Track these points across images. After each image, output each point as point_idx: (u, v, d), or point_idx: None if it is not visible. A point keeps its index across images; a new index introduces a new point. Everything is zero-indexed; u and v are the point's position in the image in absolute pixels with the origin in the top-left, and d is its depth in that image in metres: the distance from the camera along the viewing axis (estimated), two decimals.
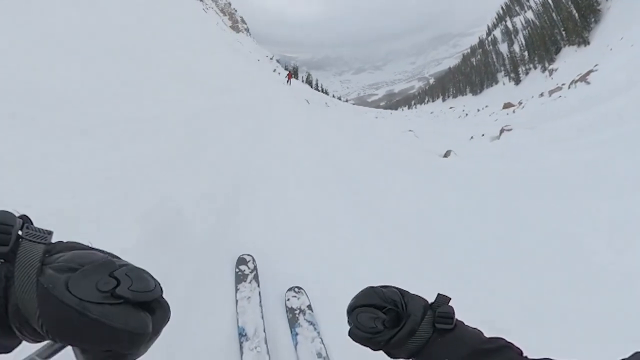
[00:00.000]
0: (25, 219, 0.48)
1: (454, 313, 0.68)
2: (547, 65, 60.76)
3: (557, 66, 50.27)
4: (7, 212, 0.45)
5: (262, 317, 1.78)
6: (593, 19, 51.81)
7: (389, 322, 0.69)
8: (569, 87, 22.52)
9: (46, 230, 0.47)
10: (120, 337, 0.40)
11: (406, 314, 0.69)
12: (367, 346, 0.70)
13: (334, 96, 68.08)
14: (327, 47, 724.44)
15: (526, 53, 73.26)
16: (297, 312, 1.86)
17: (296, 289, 2.01)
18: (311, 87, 59.71)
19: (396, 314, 0.70)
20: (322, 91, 73.24)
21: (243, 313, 1.77)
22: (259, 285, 1.98)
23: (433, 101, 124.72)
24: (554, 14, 66.14)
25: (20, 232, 0.45)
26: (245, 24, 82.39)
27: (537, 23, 73.89)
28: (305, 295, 1.98)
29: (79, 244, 0.49)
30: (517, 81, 70.17)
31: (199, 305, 1.77)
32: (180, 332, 1.50)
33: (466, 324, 0.70)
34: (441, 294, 0.72)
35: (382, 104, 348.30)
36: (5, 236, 0.43)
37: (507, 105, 33.43)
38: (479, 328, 0.70)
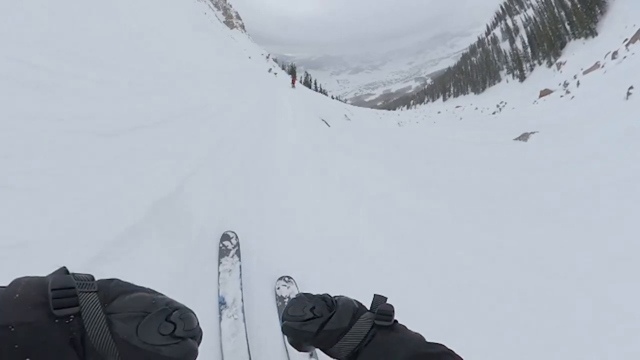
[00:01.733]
0: (67, 271, 0.53)
1: (393, 311, 0.68)
2: (552, 60, 58.83)
3: (564, 59, 49.08)
4: (66, 275, 0.50)
5: (241, 289, 1.84)
6: (599, 11, 50.45)
7: (319, 312, 0.69)
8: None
9: (89, 276, 0.53)
10: None
11: (337, 306, 0.70)
12: (300, 343, 0.71)
13: (332, 97, 64.57)
14: (325, 46, 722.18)
15: (529, 50, 71.70)
16: (286, 299, 1.90)
17: (286, 279, 2.05)
18: (310, 88, 55.71)
19: (327, 308, 0.70)
20: (321, 91, 69.36)
21: (224, 284, 1.84)
22: (240, 260, 2.04)
23: (433, 101, 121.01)
24: (556, 10, 64.98)
25: None
26: (241, 19, 77.44)
27: (538, 20, 72.72)
28: (294, 284, 2.02)
29: (122, 284, 0.55)
30: (522, 78, 67.94)
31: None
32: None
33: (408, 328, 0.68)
34: (377, 295, 0.71)
35: (379, 103, 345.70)
36: (73, 299, 0.48)
37: (545, 93, 29.91)
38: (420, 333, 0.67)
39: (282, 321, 0.72)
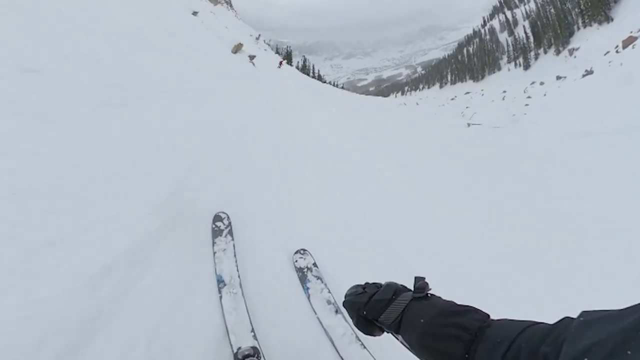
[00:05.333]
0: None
1: (427, 285, 0.76)
2: (561, 48, 56.77)
3: (578, 45, 46.87)
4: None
5: (237, 266, 1.86)
6: None
7: (369, 289, 0.84)
8: None
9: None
10: None
11: (383, 286, 0.83)
12: (356, 312, 0.82)
13: (329, 82, 58.39)
14: (319, 32, 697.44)
15: (532, 39, 68.75)
16: (305, 270, 1.96)
17: (301, 252, 2.09)
18: (308, 75, 48.84)
19: (376, 288, 0.84)
20: (318, 78, 62.83)
21: (220, 263, 1.86)
22: (233, 239, 2.05)
23: (429, 88, 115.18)
24: (559, 2, 63.06)
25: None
26: None
27: (541, 13, 70.07)
28: (310, 255, 2.07)
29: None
30: (527, 66, 65.33)
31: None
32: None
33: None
34: (417, 276, 0.79)
35: (371, 89, 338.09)
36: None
37: (630, 40, 25.30)
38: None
39: (343, 301, 0.88)
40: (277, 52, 55.96)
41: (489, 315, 0.66)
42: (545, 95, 22.01)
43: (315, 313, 1.73)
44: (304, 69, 62.17)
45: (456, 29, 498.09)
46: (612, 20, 46.80)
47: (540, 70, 52.01)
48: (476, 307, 0.68)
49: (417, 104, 43.16)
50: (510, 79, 59.35)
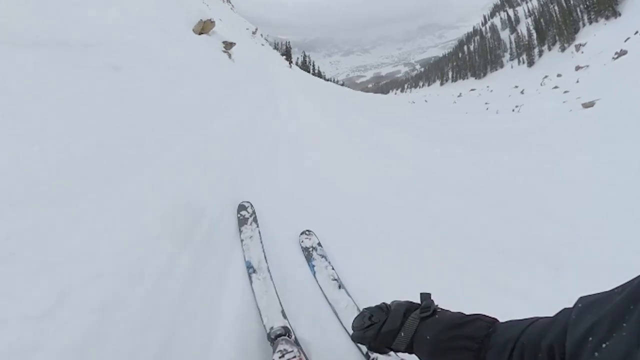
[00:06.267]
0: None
1: (432, 303, 0.79)
2: (566, 45, 55.52)
3: (584, 41, 45.63)
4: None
5: (263, 251, 1.93)
6: None
7: (376, 318, 0.83)
8: None
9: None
10: None
11: (390, 311, 0.83)
12: (367, 344, 0.84)
13: (328, 79, 56.60)
14: (318, 29, 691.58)
15: (535, 36, 68.00)
16: (311, 249, 2.04)
17: (307, 232, 2.16)
18: (308, 72, 46.87)
19: (384, 313, 0.84)
20: (318, 74, 60.82)
21: (248, 250, 1.94)
22: (258, 226, 2.13)
23: (429, 85, 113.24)
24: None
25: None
26: None
27: (544, 10, 69.32)
28: (315, 236, 2.14)
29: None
30: (530, 63, 64.24)
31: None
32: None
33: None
34: (422, 293, 0.81)
35: (370, 85, 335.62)
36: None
37: None
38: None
39: (351, 335, 0.90)
40: (275, 48, 53.86)
41: (495, 320, 0.69)
42: (578, 81, 21.98)
43: (321, 288, 1.81)
44: (304, 66, 60.08)
45: (455, 27, 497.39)
46: (619, 15, 46.23)
47: (546, 67, 51.17)
48: (483, 313, 0.71)
49: (426, 101, 42.46)
50: (515, 75, 58.37)
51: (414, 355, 0.78)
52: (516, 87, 38.31)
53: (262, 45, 42.90)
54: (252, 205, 2.29)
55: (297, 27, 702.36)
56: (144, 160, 2.14)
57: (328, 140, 4.40)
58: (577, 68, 31.52)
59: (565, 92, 18.93)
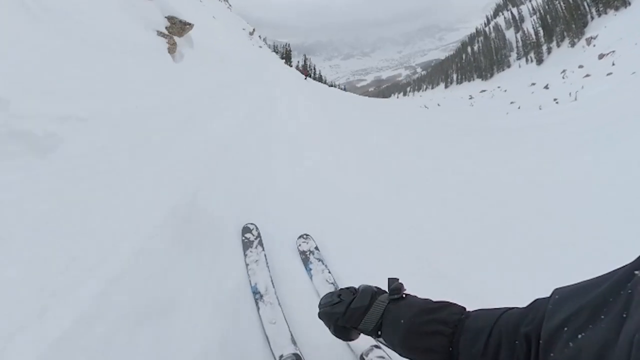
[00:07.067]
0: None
1: (402, 287, 0.77)
2: (576, 40, 53.64)
3: (596, 33, 44.26)
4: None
5: (270, 276, 1.83)
6: None
7: (344, 297, 0.82)
8: None
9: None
10: None
11: (358, 291, 0.83)
12: (333, 323, 0.81)
13: (331, 84, 53.88)
14: (318, 31, 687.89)
15: (542, 33, 66.40)
16: (308, 253, 2.03)
17: (304, 236, 2.14)
18: (311, 76, 44.11)
19: (351, 294, 0.83)
20: (319, 79, 58.10)
21: (253, 274, 1.84)
22: (264, 249, 2.02)
23: (432, 88, 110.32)
24: None
25: None
26: None
27: (549, 7, 68.04)
28: (312, 240, 2.12)
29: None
30: (540, 61, 62.19)
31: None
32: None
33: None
34: (390, 278, 0.80)
35: (370, 89, 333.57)
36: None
37: None
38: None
39: (318, 313, 0.87)
40: (274, 51, 51.43)
41: (465, 308, 0.69)
42: (614, 64, 22.33)
43: (317, 292, 1.79)
44: (305, 70, 57.47)
45: (455, 29, 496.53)
46: (629, 4, 45.32)
47: (557, 63, 49.29)
48: (451, 301, 0.72)
49: (439, 104, 40.99)
50: (525, 74, 56.18)
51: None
52: (533, 84, 36.70)
53: (260, 47, 40.42)
54: (257, 228, 2.14)
55: (297, 29, 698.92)
56: None
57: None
58: (601, 56, 30.91)
59: (609, 74, 18.60)
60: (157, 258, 1.44)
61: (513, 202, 3.19)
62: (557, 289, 0.52)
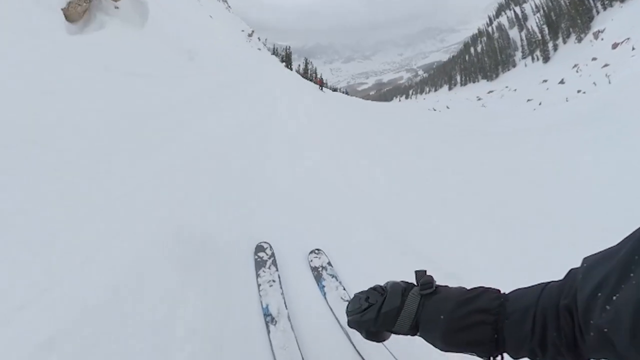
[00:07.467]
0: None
1: (432, 279, 0.72)
2: (582, 35, 52.64)
3: (603, 27, 44.26)
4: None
5: (284, 298, 1.78)
6: None
7: (373, 300, 0.74)
8: None
9: None
10: None
11: (386, 291, 0.75)
12: (365, 330, 0.75)
13: (335, 89, 52.52)
14: (318, 34, 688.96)
15: (546, 30, 65.29)
16: (320, 269, 1.98)
17: (316, 251, 2.11)
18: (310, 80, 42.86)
19: (380, 295, 0.75)
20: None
21: (265, 295, 1.79)
22: (277, 270, 1.97)
23: (436, 90, 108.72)
24: None
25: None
26: None
27: (553, 4, 67.68)
28: (324, 255, 2.09)
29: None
30: (546, 59, 60.71)
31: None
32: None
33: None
34: (417, 271, 0.74)
35: (372, 93, 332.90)
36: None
37: None
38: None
39: (347, 321, 0.79)
40: (274, 53, 50.23)
41: (499, 290, 0.65)
42: (634, 48, 22.63)
43: (332, 310, 1.74)
44: (306, 74, 56.21)
45: (456, 31, 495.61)
46: None
47: (564, 59, 49.03)
48: (485, 285, 0.67)
49: (448, 107, 40.39)
50: (532, 72, 55.64)
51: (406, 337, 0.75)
52: (545, 81, 35.95)
53: (259, 49, 39.20)
54: (270, 247, 2.13)
55: (297, 32, 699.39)
56: None
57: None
58: (615, 45, 31.12)
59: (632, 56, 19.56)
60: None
61: (513, 202, 3.40)
62: (585, 257, 0.53)
